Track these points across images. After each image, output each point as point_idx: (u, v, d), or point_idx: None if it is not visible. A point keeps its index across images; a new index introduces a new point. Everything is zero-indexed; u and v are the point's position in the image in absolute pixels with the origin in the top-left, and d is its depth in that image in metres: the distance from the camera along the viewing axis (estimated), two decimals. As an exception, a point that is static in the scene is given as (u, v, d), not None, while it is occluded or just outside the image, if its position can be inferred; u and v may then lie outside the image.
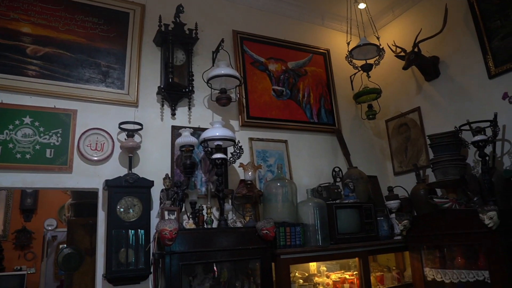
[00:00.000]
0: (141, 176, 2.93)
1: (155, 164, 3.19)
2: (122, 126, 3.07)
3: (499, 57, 3.46)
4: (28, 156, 2.80)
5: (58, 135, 2.92)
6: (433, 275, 3.18)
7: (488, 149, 3.21)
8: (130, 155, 3.02)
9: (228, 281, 2.86)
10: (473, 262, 2.99)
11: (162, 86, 3.33)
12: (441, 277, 3.12)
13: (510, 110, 3.20)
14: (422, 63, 3.94)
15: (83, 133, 2.99)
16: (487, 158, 3.09)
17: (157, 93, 3.37)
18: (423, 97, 4.14)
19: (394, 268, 3.69)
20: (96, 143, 3.03)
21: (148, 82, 3.36)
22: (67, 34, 3.11)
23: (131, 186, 2.86)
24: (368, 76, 4.09)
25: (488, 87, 3.52)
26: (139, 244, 2.83)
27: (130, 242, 2.80)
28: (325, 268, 3.38)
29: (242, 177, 3.35)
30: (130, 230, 2.82)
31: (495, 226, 2.68)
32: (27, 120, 2.85)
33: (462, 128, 3.35)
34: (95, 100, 3.10)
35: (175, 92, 3.36)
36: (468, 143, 3.45)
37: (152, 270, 2.84)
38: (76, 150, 2.95)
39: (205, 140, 3.04)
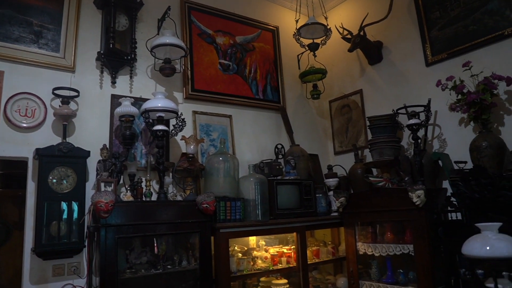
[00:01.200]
0: (76, 146, 2.77)
1: (92, 134, 3.03)
2: (57, 91, 2.88)
3: (436, 46, 3.63)
4: None
5: (-19, 97, 2.67)
6: (365, 249, 3.37)
7: (421, 133, 3.41)
8: (65, 123, 2.84)
9: (166, 254, 2.83)
10: (401, 237, 3.21)
11: (102, 52, 3.15)
12: (372, 251, 3.31)
13: (442, 97, 3.39)
14: (366, 47, 4.05)
15: (11, 97, 2.75)
16: (419, 140, 3.28)
17: (97, 59, 3.17)
18: (365, 80, 4.28)
19: (329, 242, 3.85)
20: (26, 109, 2.81)
21: (86, 47, 3.15)
22: (-8, -14, 2.81)
23: (65, 156, 2.70)
24: (314, 55, 4.16)
25: (425, 74, 3.71)
26: (72, 216, 2.70)
27: (63, 215, 2.66)
28: (264, 243, 3.45)
29: (184, 151, 3.29)
30: (63, 202, 2.67)
31: (422, 204, 2.87)
32: None
33: (399, 111, 3.52)
34: (25, 61, 2.85)
35: (116, 59, 3.18)
36: (403, 126, 3.64)
37: (86, 244, 2.74)
38: (2, 116, 2.71)
39: (147, 111, 2.93)
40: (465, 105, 3.05)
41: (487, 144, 2.90)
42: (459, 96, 3.12)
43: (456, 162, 3.15)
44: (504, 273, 2.39)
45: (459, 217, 2.82)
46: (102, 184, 2.71)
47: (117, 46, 3.13)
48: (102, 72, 3.19)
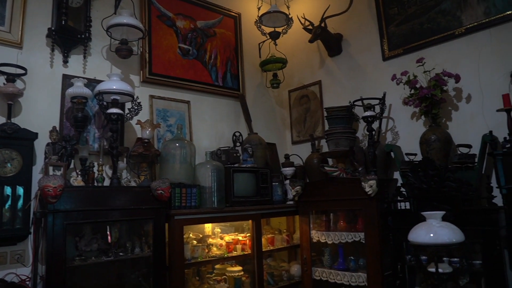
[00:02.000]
0: (22, 127, 2.61)
1: (41, 115, 2.87)
2: (1, 68, 2.68)
3: (393, 41, 3.74)
4: None
5: None
6: (318, 237, 3.45)
7: (375, 125, 3.52)
8: (10, 102, 2.66)
9: (119, 241, 2.76)
10: (353, 226, 3.31)
11: (53, 29, 2.97)
12: (325, 239, 3.40)
13: (397, 91, 3.50)
14: (327, 39, 4.10)
15: (-52, 72, 2.55)
16: (373, 132, 3.38)
17: (47, 36, 2.99)
18: (325, 71, 4.34)
19: (284, 230, 3.91)
20: (-34, 85, 2.61)
21: (36, 22, 2.95)
22: None
23: (9, 137, 2.54)
24: (275, 44, 4.16)
25: (381, 68, 3.82)
26: (17, 202, 2.55)
27: (7, 200, 2.51)
28: (219, 230, 3.45)
29: (139, 135, 3.20)
30: (6, 187, 2.52)
31: (374, 193, 2.97)
32: None
33: (355, 103, 3.60)
34: (-35, 34, 2.64)
35: (68, 37, 3.02)
36: (359, 118, 3.73)
37: (32, 231, 2.60)
38: None
39: (101, 93, 2.81)
40: (417, 99, 3.17)
41: (436, 137, 3.04)
42: (412, 91, 3.24)
43: (407, 154, 3.28)
44: (444, 258, 2.54)
45: (408, 207, 2.94)
46: (51, 168, 2.58)
47: (70, 24, 2.97)
48: (53, 50, 3.01)
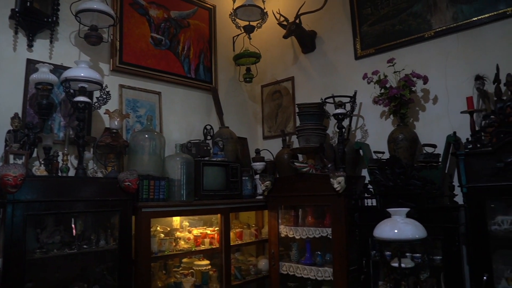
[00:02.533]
0: (-19, 113, 2.49)
1: (2, 101, 2.74)
2: (-41, 50, 2.55)
3: (365, 41, 3.80)
4: None
5: None
6: (287, 232, 3.48)
7: (345, 122, 3.57)
8: (-32, 86, 2.53)
9: (84, 234, 2.68)
10: (321, 221, 3.36)
11: (17, 10, 2.82)
12: (293, 234, 3.43)
13: (367, 89, 3.56)
14: (301, 35, 4.12)
15: None
16: (343, 130, 3.43)
17: (10, 17, 2.84)
18: (298, 67, 4.37)
19: (253, 225, 3.92)
20: None
21: (-2, 2, 2.82)
22: None
23: (-34, 123, 2.42)
24: (249, 38, 4.14)
25: (353, 66, 3.87)
26: (-27, 191, 2.43)
27: (-39, 189, 2.39)
28: (187, 223, 3.42)
29: (107, 125, 3.12)
30: (-39, 175, 2.40)
31: (342, 190, 3.02)
32: None
33: (326, 100, 3.64)
34: None
35: (34, 19, 2.88)
36: (330, 115, 3.78)
37: (-11, 222, 2.49)
38: None
39: (67, 80, 2.71)
40: (386, 99, 3.24)
41: (403, 136, 3.12)
42: (382, 90, 3.30)
43: (375, 152, 3.34)
44: (407, 254, 2.62)
45: (374, 204, 3.01)
46: (11, 157, 2.47)
47: (35, 6, 2.84)
48: (16, 32, 2.87)
